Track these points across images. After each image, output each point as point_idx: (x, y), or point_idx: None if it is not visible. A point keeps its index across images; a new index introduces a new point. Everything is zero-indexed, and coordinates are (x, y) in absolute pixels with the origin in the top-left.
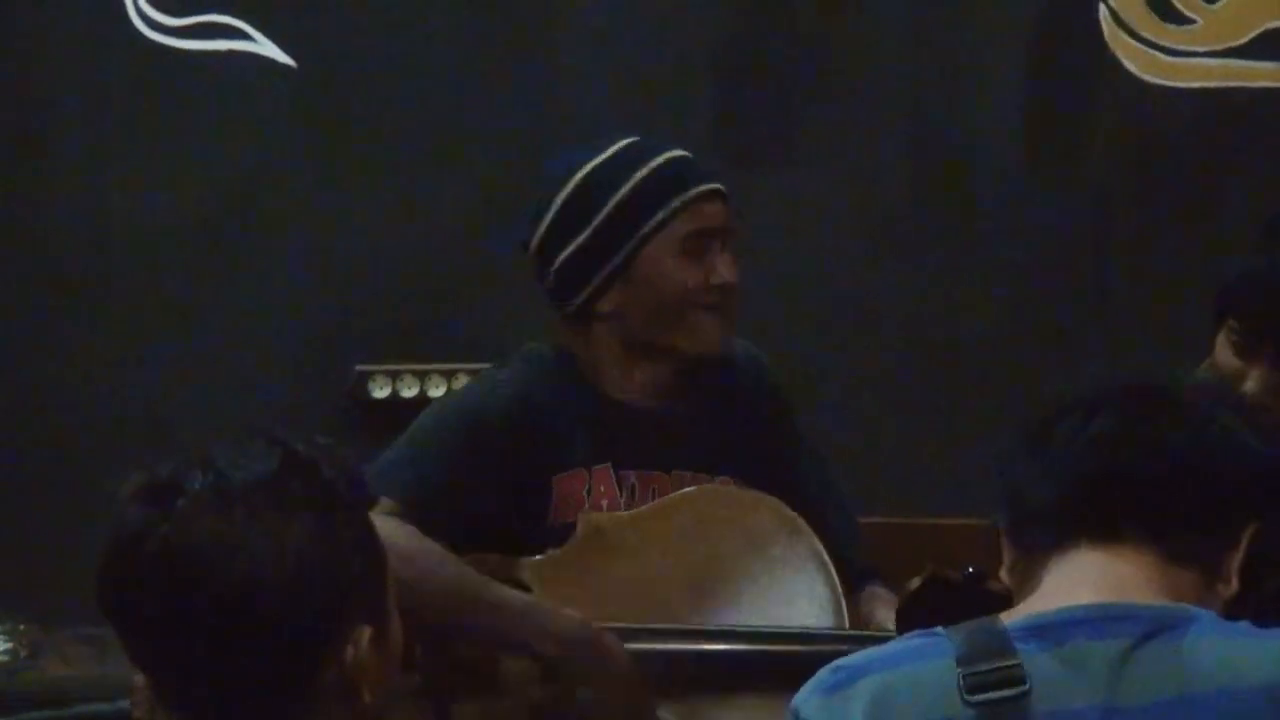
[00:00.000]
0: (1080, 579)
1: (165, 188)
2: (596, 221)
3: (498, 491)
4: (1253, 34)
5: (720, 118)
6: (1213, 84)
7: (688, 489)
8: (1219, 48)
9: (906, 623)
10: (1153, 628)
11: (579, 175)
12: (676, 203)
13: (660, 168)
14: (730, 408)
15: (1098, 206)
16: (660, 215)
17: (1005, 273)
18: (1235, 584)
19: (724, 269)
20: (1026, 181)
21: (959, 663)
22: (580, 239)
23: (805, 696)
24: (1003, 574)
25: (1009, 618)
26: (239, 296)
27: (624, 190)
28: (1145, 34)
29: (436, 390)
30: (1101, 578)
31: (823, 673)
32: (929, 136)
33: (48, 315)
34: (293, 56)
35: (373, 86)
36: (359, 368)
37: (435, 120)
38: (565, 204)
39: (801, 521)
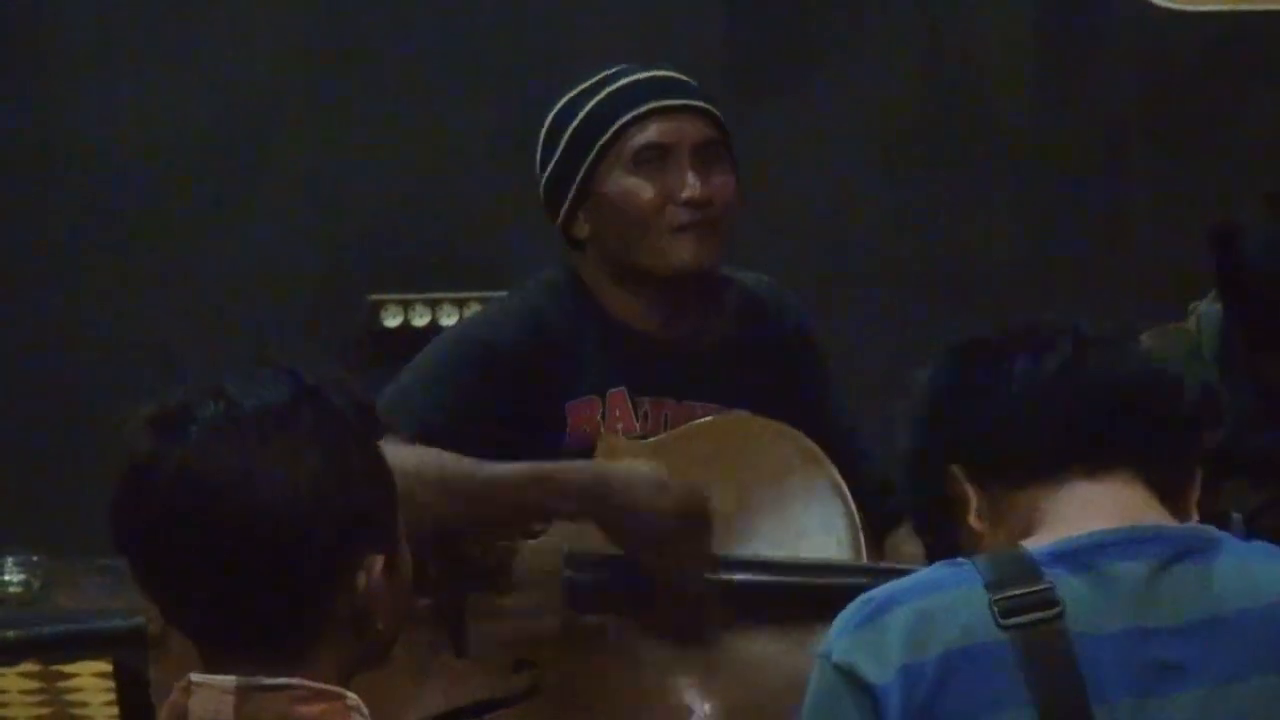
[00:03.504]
0: (1092, 507)
1: (175, 115)
2: (561, 145)
3: (510, 419)
4: None
5: (733, 43)
6: (1225, 7)
7: (706, 418)
8: None
9: None
10: (1181, 549)
11: (559, 104)
12: (623, 119)
13: (621, 89)
14: (752, 347)
15: (1111, 132)
16: (609, 133)
17: (1018, 200)
18: (1196, 520)
19: (691, 184)
20: (1039, 108)
21: (989, 589)
22: (551, 165)
23: (836, 637)
24: (971, 519)
25: (1032, 545)
26: (251, 226)
27: (583, 113)
28: None
29: (449, 319)
30: (1113, 504)
31: (849, 610)
32: (942, 64)
33: (58, 246)
34: None
35: (386, 12)
36: (371, 297)
37: (448, 47)
38: (544, 132)
39: (821, 453)
